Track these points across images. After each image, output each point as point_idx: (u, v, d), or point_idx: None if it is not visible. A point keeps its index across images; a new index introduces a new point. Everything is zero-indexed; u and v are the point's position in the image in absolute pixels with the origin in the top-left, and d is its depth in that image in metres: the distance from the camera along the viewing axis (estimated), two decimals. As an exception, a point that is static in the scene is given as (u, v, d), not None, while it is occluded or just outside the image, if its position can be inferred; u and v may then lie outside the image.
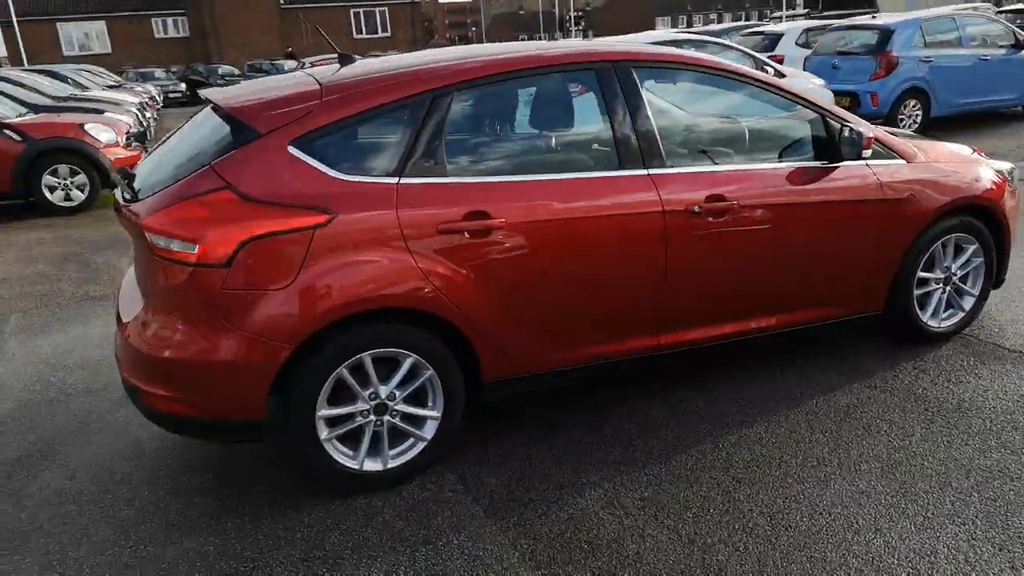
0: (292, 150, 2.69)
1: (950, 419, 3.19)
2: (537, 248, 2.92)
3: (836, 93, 10.17)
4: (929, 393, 3.42)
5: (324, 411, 2.77)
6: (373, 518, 2.77)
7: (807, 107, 3.49)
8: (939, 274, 3.84)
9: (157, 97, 25.08)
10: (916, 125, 10.44)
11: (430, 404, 2.95)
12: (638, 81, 3.17)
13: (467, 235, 2.80)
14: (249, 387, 2.64)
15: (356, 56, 3.41)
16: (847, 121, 3.48)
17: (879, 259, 3.58)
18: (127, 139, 9.55)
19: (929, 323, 3.89)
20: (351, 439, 2.89)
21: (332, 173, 2.71)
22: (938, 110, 10.43)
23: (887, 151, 3.60)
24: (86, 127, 9.08)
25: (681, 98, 3.56)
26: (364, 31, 44.37)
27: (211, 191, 2.60)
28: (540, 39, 39.23)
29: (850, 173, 3.46)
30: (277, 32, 42.43)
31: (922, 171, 3.63)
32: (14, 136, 8.66)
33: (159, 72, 34.61)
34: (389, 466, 2.92)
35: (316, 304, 2.62)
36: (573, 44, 3.30)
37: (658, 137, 3.15)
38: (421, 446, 2.96)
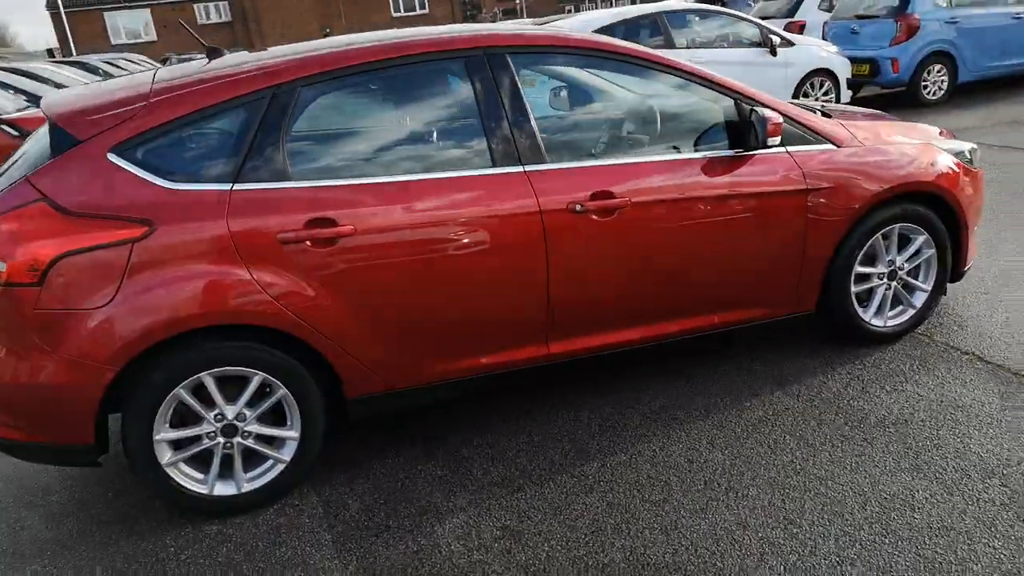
0: (112, 157, 2.52)
1: (868, 435, 2.88)
2: (395, 256, 2.70)
3: (854, 60, 9.58)
4: (855, 404, 3.10)
5: (164, 434, 2.62)
6: (216, 548, 2.61)
7: (721, 91, 3.16)
8: (882, 268, 3.48)
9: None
10: (942, 92, 9.78)
11: (288, 424, 2.77)
12: (514, 69, 2.90)
13: (309, 244, 2.59)
14: (73, 411, 2.50)
15: (225, 50, 3.21)
16: (763, 105, 3.14)
17: (804, 255, 3.25)
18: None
19: (872, 322, 3.54)
20: (203, 462, 2.73)
21: (157, 181, 2.53)
22: (966, 75, 9.75)
23: (813, 135, 3.25)
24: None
25: (578, 85, 3.27)
26: (402, 8, 44.17)
27: (23, 204, 2.45)
28: (589, 8, 38.12)
29: (767, 162, 3.13)
30: (315, 13, 42.52)
31: (855, 156, 3.28)
32: (9, 131, 8.74)
33: (199, 57, 35.06)
34: (243, 490, 2.76)
35: (139, 323, 2.46)
36: (445, 30, 3.03)
37: (536, 131, 2.88)
38: (280, 468, 2.80)
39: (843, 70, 9.32)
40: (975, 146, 3.74)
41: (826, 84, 9.25)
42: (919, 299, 3.61)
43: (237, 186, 2.58)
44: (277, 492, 2.81)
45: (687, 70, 3.13)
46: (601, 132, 3.16)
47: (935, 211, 3.48)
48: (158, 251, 2.48)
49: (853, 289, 3.43)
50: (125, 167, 2.52)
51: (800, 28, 11.80)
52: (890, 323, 3.58)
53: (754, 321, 3.33)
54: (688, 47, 8.61)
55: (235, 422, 2.69)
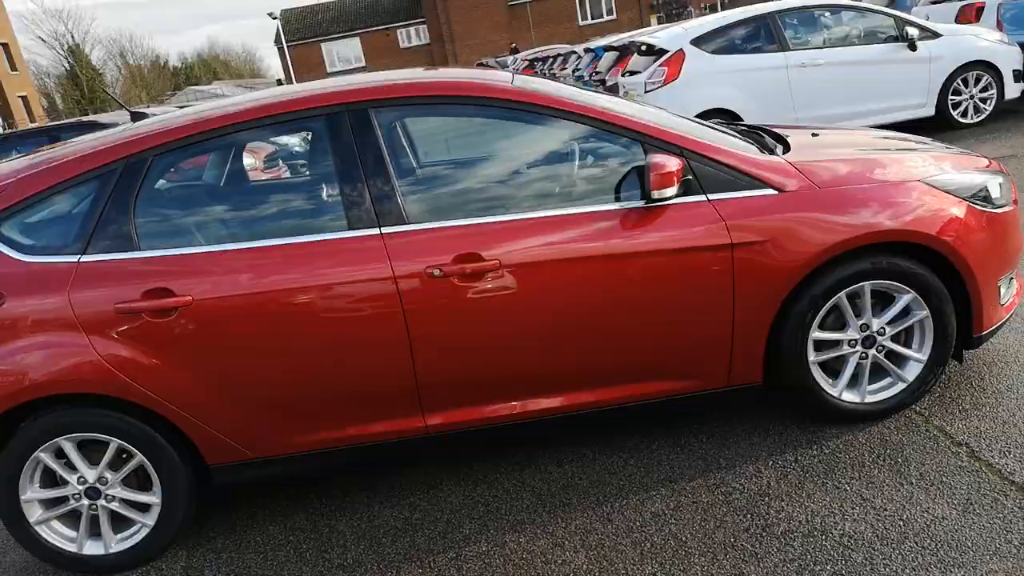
0: (-22, 236, 2.67)
1: (761, 549, 2.37)
2: (239, 327, 2.64)
3: (1027, 48, 8.14)
4: (772, 506, 2.57)
5: (32, 493, 2.75)
6: (68, 607, 2.69)
7: (628, 135, 2.77)
8: (853, 334, 2.87)
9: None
10: None
11: (152, 488, 2.80)
12: (377, 125, 2.72)
13: (147, 316, 2.60)
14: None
15: (150, 112, 3.32)
16: (673, 146, 2.71)
17: (735, 321, 2.75)
18: (264, 162, 10.38)
19: (845, 398, 2.93)
20: (76, 520, 2.83)
21: (13, 255, 2.66)
22: None
23: (746, 179, 2.74)
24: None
25: (460, 137, 3.01)
26: (590, 16, 44.25)
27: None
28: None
29: (680, 213, 2.69)
30: (506, 29, 43.76)
31: (800, 203, 2.72)
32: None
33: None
34: (111, 551, 2.83)
35: (-12, 393, 2.59)
36: (316, 86, 2.90)
37: (397, 191, 2.68)
38: (146, 531, 2.83)
39: (1009, 61, 7.95)
40: (1002, 179, 2.98)
41: (983, 79, 7.94)
42: (912, 371, 2.93)
43: (84, 258, 2.65)
44: (146, 554, 2.85)
45: (586, 112, 2.76)
46: (485, 187, 2.87)
47: (929, 265, 2.81)
48: (7, 323, 2.60)
49: (813, 358, 2.86)
50: (-12, 245, 2.67)
51: (977, 12, 10.27)
52: (870, 399, 2.95)
53: (685, 393, 2.88)
54: (805, 48, 7.77)
55: (97, 485, 2.77)
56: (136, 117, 3.19)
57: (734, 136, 3.21)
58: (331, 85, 2.86)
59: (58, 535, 2.82)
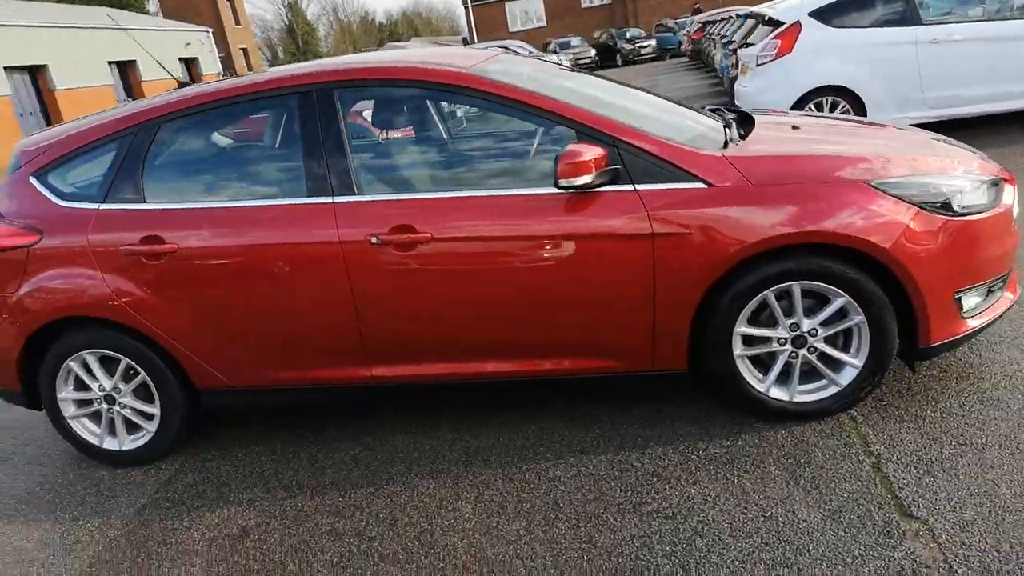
0: (31, 180, 3.31)
1: (624, 524, 2.51)
2: (214, 273, 3.09)
3: None
4: (658, 487, 2.68)
5: (66, 394, 3.40)
6: (86, 488, 3.33)
7: (563, 122, 2.90)
8: (782, 332, 2.86)
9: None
10: None
11: (154, 402, 3.37)
12: (339, 104, 3.05)
13: (144, 258, 3.12)
14: (6, 366, 3.38)
15: (192, 83, 3.83)
16: (605, 135, 2.82)
17: (656, 307, 2.84)
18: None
19: (772, 394, 2.93)
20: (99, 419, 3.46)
21: (54, 199, 3.27)
22: None
23: (677, 171, 2.80)
24: (364, 113, 10.76)
25: (419, 117, 3.24)
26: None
27: (-9, 216, 3.38)
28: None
29: (606, 200, 2.81)
30: (691, -12, 42.21)
31: (728, 198, 2.74)
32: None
33: (575, 40, 37.34)
34: (124, 448, 3.45)
35: (31, 309, 3.24)
36: (293, 68, 3.25)
37: (350, 164, 3.00)
38: (149, 437, 3.42)
39: None
40: (979, 184, 2.80)
41: None
42: (846, 376, 2.87)
43: (103, 206, 3.21)
44: (149, 454, 3.43)
45: (524, 99, 2.92)
46: (428, 164, 3.10)
47: (870, 270, 2.73)
48: (46, 255, 3.22)
49: (740, 352, 2.89)
50: (38, 188, 3.30)
51: None
52: (800, 398, 2.92)
53: (606, 372, 3.01)
54: (941, 21, 7.13)
55: (112, 393, 3.37)
56: (182, 86, 3.70)
57: (704, 121, 3.23)
58: (305, 67, 3.20)
59: (87, 430, 3.46)
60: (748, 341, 2.90)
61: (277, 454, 3.35)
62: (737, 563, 2.26)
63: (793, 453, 2.74)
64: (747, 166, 2.79)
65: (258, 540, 2.75)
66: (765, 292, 2.79)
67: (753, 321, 2.87)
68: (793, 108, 7.36)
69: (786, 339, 2.86)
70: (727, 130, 3.23)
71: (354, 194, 2.99)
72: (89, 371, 3.35)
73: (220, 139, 3.37)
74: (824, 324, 2.83)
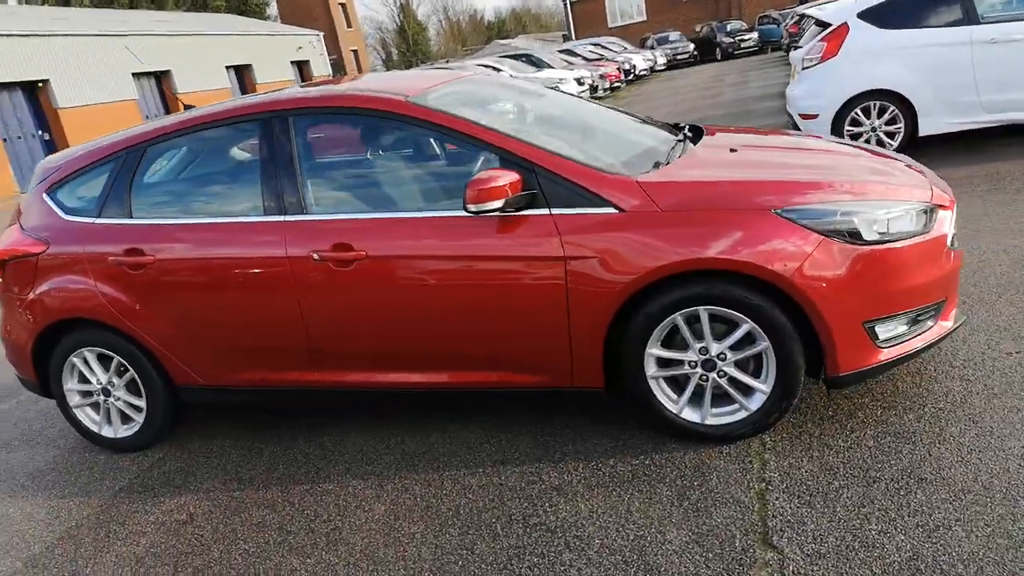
0: (44, 196, 3.76)
1: (503, 533, 2.66)
2: (184, 283, 3.44)
3: None
4: (541, 503, 2.80)
5: (70, 385, 3.84)
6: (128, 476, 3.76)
7: (490, 149, 3.05)
8: (692, 356, 2.91)
9: (639, 66, 27.07)
10: None
11: (142, 396, 3.75)
12: (293, 130, 3.31)
13: (127, 268, 3.50)
14: (23, 357, 3.85)
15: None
16: (517, 164, 2.95)
17: (572, 327, 2.95)
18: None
19: (684, 415, 2.99)
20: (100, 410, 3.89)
21: (60, 213, 3.70)
22: None
23: (590, 196, 2.90)
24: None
25: (369, 141, 3.46)
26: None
27: (11, 224, 3.85)
28: None
29: (523, 223, 2.94)
30: (801, -22, 40.63)
31: (635, 223, 2.82)
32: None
33: (673, 35, 36.71)
34: (118, 435, 3.86)
35: (40, 310, 3.69)
36: (255, 97, 3.53)
37: (299, 184, 3.26)
38: (138, 427, 3.81)
39: None
40: (904, 211, 2.76)
41: None
42: (756, 401, 2.90)
43: (97, 220, 3.61)
44: (139, 442, 3.82)
45: (455, 126, 3.08)
46: (368, 186, 3.32)
47: (774, 297, 2.75)
48: (50, 263, 3.65)
49: (653, 373, 2.96)
50: (49, 203, 3.74)
51: None
52: (711, 420, 2.96)
53: (536, 387, 3.15)
54: (999, 20, 6.75)
55: (108, 387, 3.78)
56: (188, 108, 4.08)
57: (652, 142, 3.32)
58: (265, 96, 3.48)
59: (89, 419, 3.89)
60: (662, 363, 2.96)
61: (244, 449, 3.66)
62: (590, 578, 2.36)
63: (690, 475, 2.79)
64: (657, 192, 2.86)
65: (197, 527, 3.05)
66: (674, 315, 2.85)
67: (667, 343, 2.93)
68: (839, 114, 7.14)
69: (696, 362, 2.91)
70: (671, 151, 3.29)
71: (304, 214, 3.24)
72: (89, 366, 3.77)
73: (239, 153, 3.66)
74: (733, 349, 2.86)
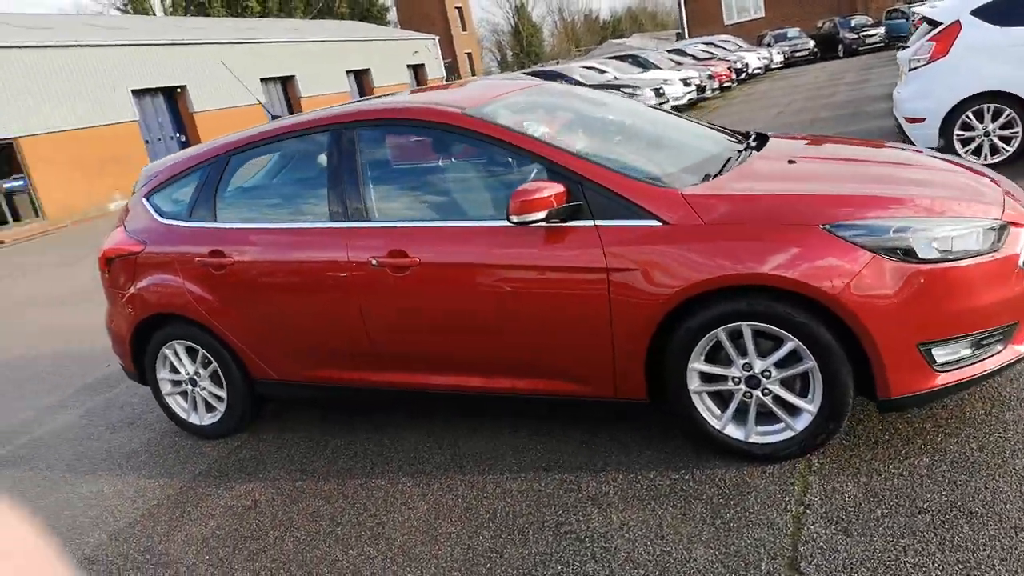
0: (144, 200, 4.11)
1: (522, 538, 2.71)
2: (260, 283, 3.68)
3: None
4: (576, 512, 2.83)
5: (161, 375, 4.17)
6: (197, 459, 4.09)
7: (538, 161, 3.11)
8: (735, 372, 2.87)
9: (753, 64, 26.27)
10: None
11: (224, 388, 4.03)
12: (357, 140, 3.48)
13: (211, 268, 3.78)
14: (123, 347, 4.23)
15: (282, 115, 4.47)
16: (570, 172, 3.00)
17: (614, 338, 2.98)
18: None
19: (728, 432, 2.94)
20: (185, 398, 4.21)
21: (156, 216, 4.04)
22: None
23: (635, 208, 2.91)
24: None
25: (428, 152, 3.57)
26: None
27: (117, 226, 4.23)
28: None
29: (569, 235, 2.99)
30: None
31: (678, 236, 2.81)
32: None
33: (791, 31, 35.36)
34: (203, 423, 4.15)
35: (137, 305, 4.04)
36: (325, 110, 3.72)
37: (361, 192, 3.43)
38: (219, 415, 4.10)
39: None
40: (971, 229, 2.63)
41: None
42: (802, 421, 2.82)
43: (187, 223, 3.91)
44: (221, 431, 4.11)
45: (504, 137, 3.16)
46: (426, 195, 3.43)
47: (820, 315, 2.68)
48: (147, 261, 3.99)
49: (696, 387, 2.94)
50: (147, 207, 4.08)
51: None
52: (756, 439, 2.90)
53: (581, 396, 3.18)
54: None
55: (194, 378, 4.08)
56: (275, 119, 4.35)
57: (712, 150, 3.30)
58: (337, 109, 3.66)
59: (178, 406, 4.21)
60: (706, 377, 2.93)
61: (312, 442, 3.87)
62: (609, 590, 2.38)
63: (728, 493, 2.75)
64: (703, 204, 2.83)
65: (259, 513, 3.27)
66: (717, 330, 2.81)
67: (712, 358, 2.90)
68: (948, 117, 6.74)
69: (740, 379, 2.87)
70: (727, 162, 3.25)
71: (363, 220, 3.40)
72: (179, 358, 4.08)
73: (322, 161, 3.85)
74: (778, 366, 2.80)
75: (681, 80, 18.11)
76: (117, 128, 23.96)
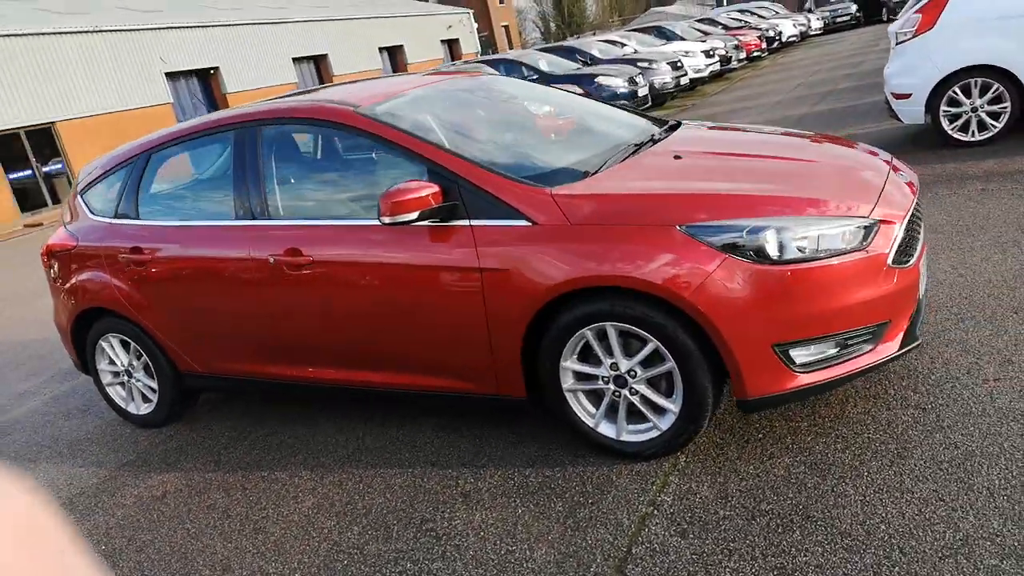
0: (79, 197, 4.24)
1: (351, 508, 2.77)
2: (171, 278, 3.78)
3: None
4: (444, 508, 2.87)
5: (101, 366, 4.33)
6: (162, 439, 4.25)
7: (421, 161, 3.11)
8: (604, 371, 2.86)
9: (787, 32, 25.54)
10: None
11: (155, 379, 4.17)
12: (258, 140, 3.53)
13: (133, 264, 3.89)
14: (65, 337, 4.39)
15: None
16: (442, 175, 3.00)
17: (491, 337, 2.99)
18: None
19: (600, 430, 2.95)
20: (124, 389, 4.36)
21: (88, 213, 4.17)
22: None
23: (506, 208, 2.91)
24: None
25: (326, 150, 3.59)
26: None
27: (61, 224, 4.38)
28: None
29: (446, 234, 2.99)
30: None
31: (544, 236, 2.80)
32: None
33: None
34: (140, 412, 4.30)
35: (73, 299, 4.18)
36: (232, 110, 3.76)
37: (262, 191, 3.49)
38: (152, 407, 4.23)
39: None
40: (835, 227, 2.57)
41: None
42: (667, 420, 2.80)
43: (113, 221, 4.02)
44: (157, 420, 4.24)
45: (391, 137, 3.16)
46: (319, 193, 3.46)
47: (678, 316, 2.66)
48: (79, 257, 4.12)
49: (571, 385, 2.94)
50: (81, 203, 4.21)
51: None
52: (626, 437, 2.90)
53: (466, 393, 3.21)
54: None
55: (129, 369, 4.22)
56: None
57: (625, 138, 3.30)
58: (241, 108, 3.71)
59: (118, 396, 4.36)
60: (579, 376, 2.93)
61: (236, 433, 3.98)
62: (443, 590, 2.42)
63: (590, 491, 2.76)
64: (570, 205, 2.81)
65: (165, 504, 3.38)
66: (584, 330, 2.81)
67: (585, 357, 2.90)
68: (934, 92, 6.49)
69: (609, 378, 2.86)
70: (610, 159, 3.20)
71: (266, 219, 3.46)
72: (114, 350, 4.22)
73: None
74: (644, 366, 2.78)
75: (703, 52, 17.72)
76: (152, 111, 24.48)
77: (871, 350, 2.70)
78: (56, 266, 4.27)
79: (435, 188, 2.92)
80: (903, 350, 2.75)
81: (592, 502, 2.70)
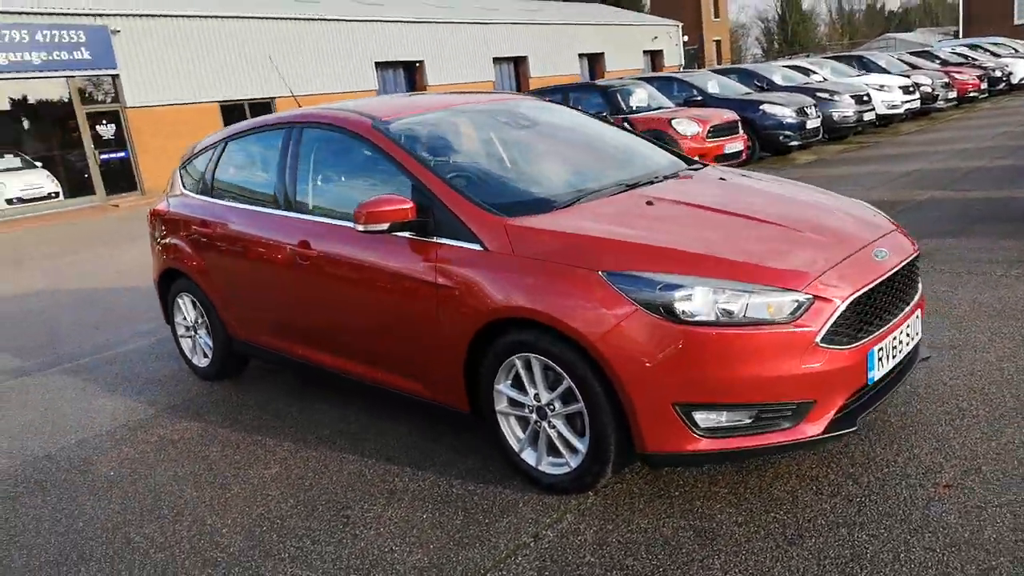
0: (178, 171, 4.90)
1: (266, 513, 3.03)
2: (228, 254, 4.28)
3: None
4: (359, 511, 3.09)
5: (178, 319, 4.97)
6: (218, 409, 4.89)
7: (409, 177, 3.33)
8: (529, 400, 2.95)
9: (1020, 74, 23.02)
10: None
11: (211, 338, 4.73)
12: (296, 140, 3.93)
13: (199, 235, 4.46)
14: (158, 294, 5.08)
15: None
16: (421, 193, 3.22)
17: (436, 347, 3.17)
18: (709, 132, 11.09)
19: (524, 456, 3.02)
20: (196, 343, 4.97)
21: (181, 186, 4.80)
22: None
23: (466, 231, 3.07)
24: (672, 121, 11.10)
25: (347, 154, 3.88)
26: None
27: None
28: None
29: (417, 247, 3.20)
30: None
31: (488, 263, 2.94)
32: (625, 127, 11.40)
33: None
34: (202, 365, 4.89)
35: (161, 258, 4.86)
36: (290, 112, 4.16)
37: (294, 185, 3.88)
38: (208, 361, 4.80)
39: None
40: (760, 298, 2.51)
41: None
42: (576, 459, 2.84)
43: (195, 195, 4.61)
44: (213, 374, 4.79)
45: (388, 151, 3.42)
46: (331, 194, 3.78)
47: (588, 359, 2.70)
48: (169, 223, 4.76)
49: (503, 408, 3.04)
50: (177, 176, 4.87)
51: None
52: (543, 468, 2.96)
53: (424, 397, 3.38)
54: None
55: (194, 325, 4.81)
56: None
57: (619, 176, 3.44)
58: (293, 111, 4.11)
59: (187, 348, 4.97)
60: (512, 402, 3.03)
61: (264, 397, 4.43)
62: None
63: (494, 511, 2.86)
64: (519, 236, 2.92)
65: (175, 447, 3.86)
66: (513, 358, 2.91)
67: (519, 384, 2.99)
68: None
69: (532, 407, 2.94)
70: (584, 196, 3.25)
71: (295, 211, 3.85)
72: (180, 310, 4.83)
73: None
74: (563, 403, 2.84)
75: (900, 87, 16.46)
76: (358, 95, 26.55)
77: (789, 428, 2.58)
78: (153, 228, 4.95)
79: (410, 204, 3.13)
80: (829, 435, 2.60)
81: (487, 521, 2.80)
